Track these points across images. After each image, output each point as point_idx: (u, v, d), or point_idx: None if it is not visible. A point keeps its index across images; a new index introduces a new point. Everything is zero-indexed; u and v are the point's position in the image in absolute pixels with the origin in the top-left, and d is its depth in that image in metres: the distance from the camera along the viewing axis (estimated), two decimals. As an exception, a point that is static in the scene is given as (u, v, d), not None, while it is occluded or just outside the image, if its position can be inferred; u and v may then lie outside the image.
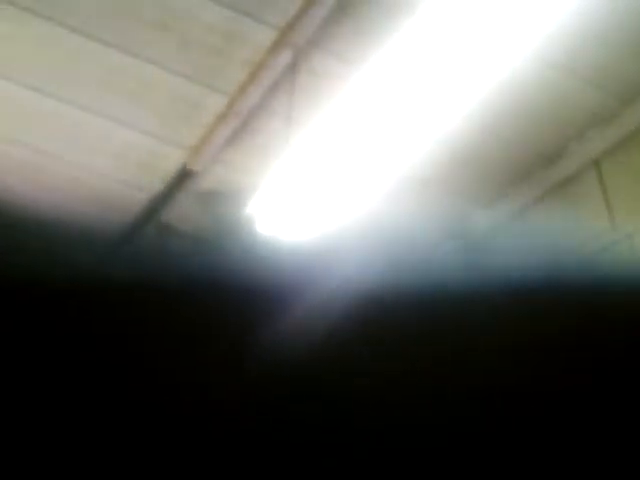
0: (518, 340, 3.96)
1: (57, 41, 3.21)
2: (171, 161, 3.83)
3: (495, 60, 2.66)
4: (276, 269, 4.24)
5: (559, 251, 3.91)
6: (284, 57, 3.15)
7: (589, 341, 3.73)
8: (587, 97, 3.40)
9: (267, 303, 4.46)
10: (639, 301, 3.56)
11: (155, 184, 4.03)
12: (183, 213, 4.24)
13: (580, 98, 3.40)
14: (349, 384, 4.43)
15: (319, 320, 4.30)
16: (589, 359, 3.75)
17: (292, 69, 3.20)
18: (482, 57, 2.68)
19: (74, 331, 4.33)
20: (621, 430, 3.63)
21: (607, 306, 3.72)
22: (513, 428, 3.92)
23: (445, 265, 4.41)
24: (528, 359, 3.95)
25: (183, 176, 3.87)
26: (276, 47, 3.12)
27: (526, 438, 3.84)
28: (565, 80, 3.28)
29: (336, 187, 3.31)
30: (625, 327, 3.59)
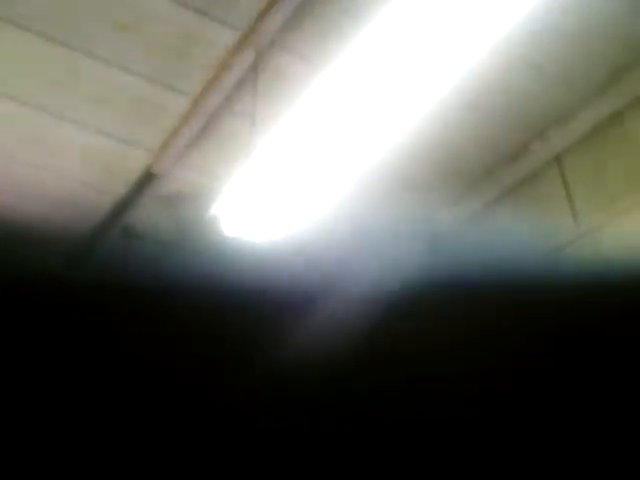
0: (482, 334, 4.01)
1: (19, 44, 3.18)
2: (135, 164, 3.81)
3: (456, 56, 2.68)
4: (241, 270, 4.26)
5: (523, 248, 3.95)
6: (246, 58, 3.14)
7: (551, 334, 3.78)
8: (549, 94, 3.43)
9: (233, 303, 4.47)
10: (601, 294, 3.62)
11: (119, 187, 4.00)
12: (147, 216, 4.21)
13: (543, 95, 3.44)
14: (324, 377, 4.40)
15: (287, 319, 4.31)
16: (550, 351, 3.79)
17: (255, 70, 3.19)
18: (443, 53, 2.70)
19: (40, 334, 4.29)
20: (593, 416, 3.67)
21: (570, 300, 3.77)
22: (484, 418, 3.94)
23: (410, 263, 4.44)
24: (491, 354, 4.00)
25: (147, 179, 3.85)
26: (238, 48, 3.12)
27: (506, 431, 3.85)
28: (528, 76, 3.31)
29: (300, 187, 3.32)
30: (588, 319, 3.65)
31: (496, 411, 3.97)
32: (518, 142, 3.75)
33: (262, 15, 2.97)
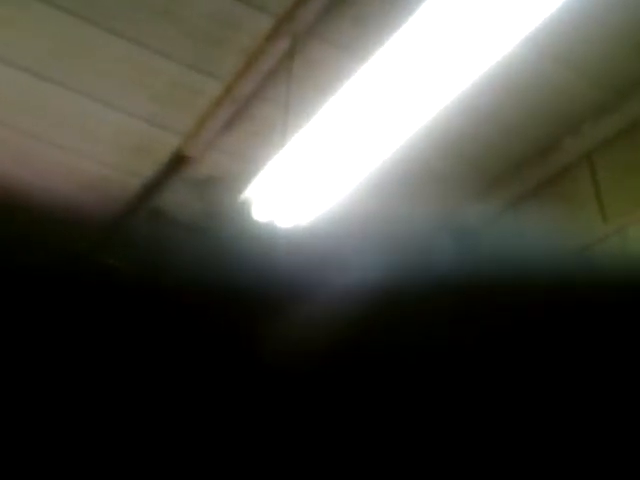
0: (510, 329, 4.00)
1: (55, 26, 3.21)
2: (166, 147, 3.83)
3: (490, 51, 2.69)
4: (271, 255, 4.27)
5: (550, 245, 3.94)
6: (282, 45, 3.16)
7: (576, 334, 3.77)
8: (583, 90, 3.42)
9: (263, 288, 4.48)
10: (628, 295, 3.60)
11: (149, 170, 4.03)
12: (177, 200, 4.24)
13: (575, 91, 3.43)
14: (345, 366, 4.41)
15: (318, 306, 4.32)
16: (579, 347, 3.78)
17: (290, 57, 3.21)
18: (477, 48, 2.71)
19: (68, 316, 4.32)
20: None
21: (597, 301, 3.76)
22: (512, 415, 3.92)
23: (438, 258, 4.44)
24: (514, 352, 3.99)
25: (177, 162, 3.88)
26: (274, 35, 3.13)
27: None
28: (561, 72, 3.30)
29: (329, 175, 3.34)
30: (614, 319, 3.63)
31: (519, 411, 3.96)
32: (549, 137, 3.74)
33: (299, 2, 2.98)
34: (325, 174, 3.33)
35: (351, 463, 4.14)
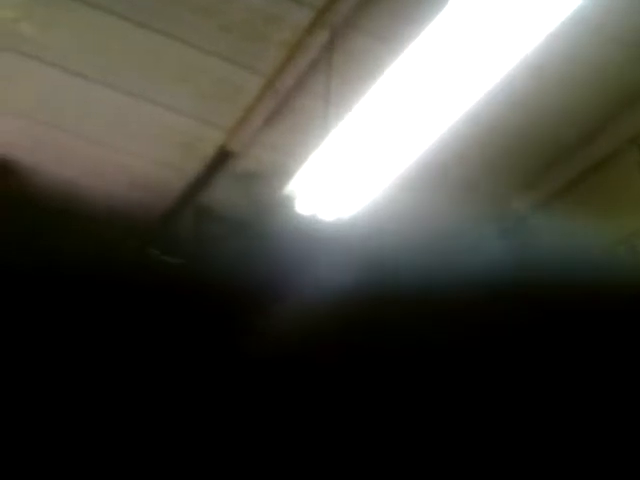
0: (561, 321, 3.94)
1: (100, 26, 3.26)
2: (211, 143, 3.87)
3: (531, 35, 2.66)
4: (315, 249, 4.27)
5: (595, 234, 3.89)
6: (321, 37, 3.16)
7: (618, 328, 3.70)
8: (634, 72, 3.35)
9: (307, 282, 4.48)
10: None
11: (194, 166, 4.07)
12: (222, 195, 4.27)
13: (626, 73, 3.37)
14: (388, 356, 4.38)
15: (360, 298, 4.31)
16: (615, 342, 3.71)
17: (329, 49, 3.21)
18: (516, 34, 2.68)
19: (116, 313, 4.37)
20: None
21: None
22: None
23: (485, 248, 4.41)
24: (559, 344, 3.93)
25: (222, 158, 3.91)
26: (313, 27, 3.14)
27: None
28: (610, 49, 3.25)
29: (372, 167, 3.33)
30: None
31: (547, 409, 3.92)
32: (596, 123, 3.68)
33: (337, -6, 2.99)
34: (367, 166, 3.32)
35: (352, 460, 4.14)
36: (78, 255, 4.59)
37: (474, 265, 4.34)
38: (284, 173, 3.77)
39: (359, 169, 3.34)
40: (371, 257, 4.34)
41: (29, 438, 3.72)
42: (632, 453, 3.56)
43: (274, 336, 4.60)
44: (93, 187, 4.41)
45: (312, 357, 4.48)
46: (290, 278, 4.67)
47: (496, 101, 3.32)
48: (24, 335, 4.22)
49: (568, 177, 4.01)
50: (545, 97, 3.54)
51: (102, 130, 3.91)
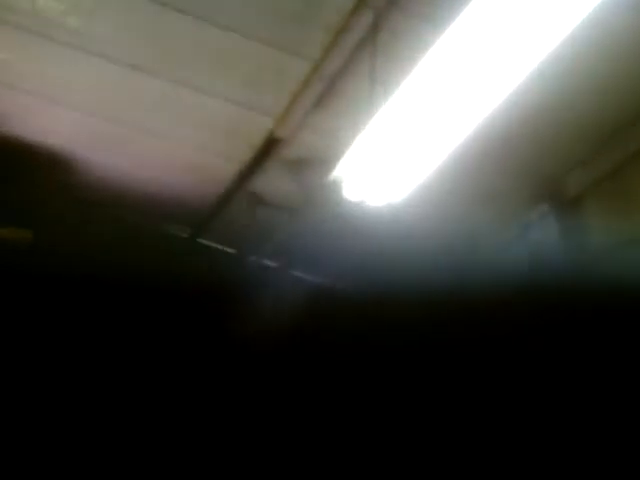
0: (619, 305, 3.85)
1: (145, 16, 3.27)
2: (259, 129, 3.86)
3: (577, 9, 2.59)
4: (365, 234, 4.24)
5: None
6: (365, 19, 3.13)
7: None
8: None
9: (358, 267, 4.45)
10: None
11: (244, 153, 4.07)
12: (271, 182, 4.27)
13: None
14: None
15: (412, 283, 4.26)
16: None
17: (374, 31, 3.18)
18: (563, 7, 2.61)
19: (167, 299, 4.38)
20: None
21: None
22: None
23: (538, 226, 4.34)
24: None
25: (271, 144, 3.90)
26: (357, 9, 3.11)
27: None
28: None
29: (421, 148, 3.29)
30: None
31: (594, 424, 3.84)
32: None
33: (381, -25, 2.96)
34: (414, 148, 3.28)
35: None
36: (131, 245, 4.64)
37: (528, 243, 4.29)
38: (332, 158, 3.74)
39: (406, 152, 3.30)
40: (420, 242, 4.32)
41: (42, 433, 3.75)
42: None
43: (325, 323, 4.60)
44: (145, 177, 4.45)
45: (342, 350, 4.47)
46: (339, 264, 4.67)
47: (544, 79, 3.25)
48: (74, 318, 4.28)
49: (629, 152, 3.91)
50: (602, 74, 3.45)
51: (152, 120, 3.93)
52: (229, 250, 4.95)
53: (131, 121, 3.93)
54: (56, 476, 3.58)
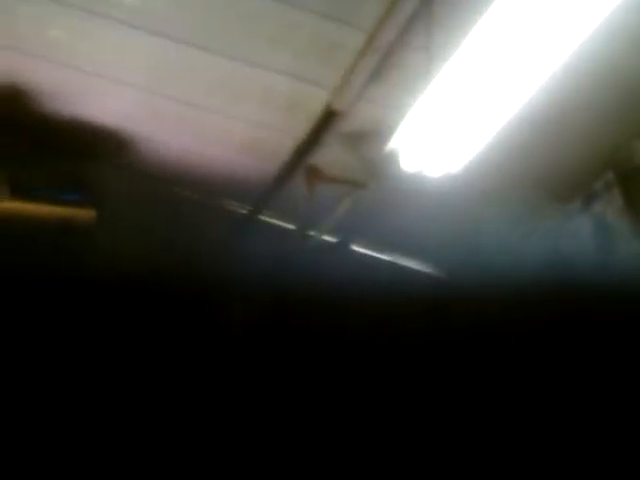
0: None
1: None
2: (315, 102, 3.86)
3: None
4: (421, 206, 4.22)
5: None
6: (420, -11, 3.11)
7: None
8: None
9: (415, 239, 4.42)
10: None
11: (302, 127, 4.07)
12: (330, 155, 4.26)
13: None
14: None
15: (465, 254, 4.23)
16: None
17: (428, 0, 3.15)
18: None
19: (224, 276, 4.39)
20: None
21: None
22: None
23: (601, 198, 4.27)
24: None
25: (328, 117, 3.89)
26: (412, -21, 3.09)
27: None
28: None
29: (477, 118, 3.26)
30: None
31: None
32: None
33: (434, -58, 2.92)
34: (471, 118, 3.25)
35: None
36: (191, 223, 4.69)
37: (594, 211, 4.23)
38: (390, 130, 3.72)
39: (464, 121, 3.28)
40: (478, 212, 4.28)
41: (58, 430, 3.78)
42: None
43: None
44: (205, 154, 4.48)
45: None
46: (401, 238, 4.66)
47: (616, 44, 3.19)
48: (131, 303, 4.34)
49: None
50: None
51: (210, 97, 3.95)
52: (289, 226, 4.97)
53: (190, 99, 3.96)
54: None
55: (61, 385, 3.83)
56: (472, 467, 4.03)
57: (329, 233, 4.91)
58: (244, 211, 5.02)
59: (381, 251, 5.24)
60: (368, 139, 4.03)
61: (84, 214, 4.14)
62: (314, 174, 4.32)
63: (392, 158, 3.59)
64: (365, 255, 5.20)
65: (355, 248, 5.16)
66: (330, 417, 4.21)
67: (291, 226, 4.95)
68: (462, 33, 3.02)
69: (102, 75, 3.84)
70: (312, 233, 4.74)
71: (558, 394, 4.01)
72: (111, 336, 4.12)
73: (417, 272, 5.29)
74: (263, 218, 5.01)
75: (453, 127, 3.29)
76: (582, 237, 4.36)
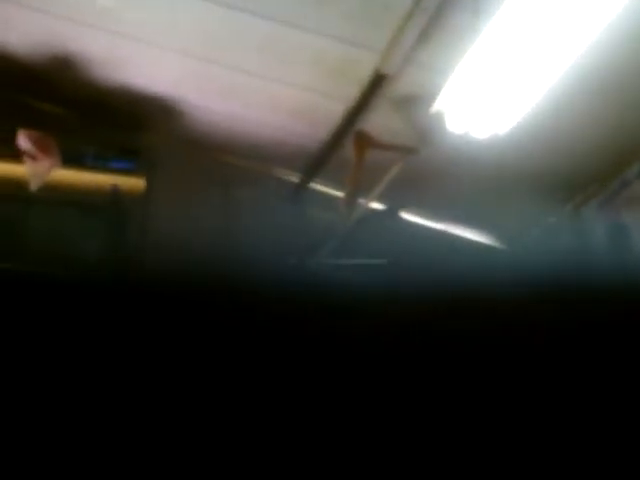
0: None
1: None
2: (364, 66, 3.83)
3: None
4: (468, 168, 4.16)
5: None
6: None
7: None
8: None
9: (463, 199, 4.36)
10: None
11: (350, 92, 4.05)
12: (380, 120, 4.23)
13: None
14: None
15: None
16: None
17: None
18: None
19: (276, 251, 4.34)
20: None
21: None
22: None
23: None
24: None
25: (377, 81, 3.86)
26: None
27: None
28: None
29: (524, 79, 3.21)
30: None
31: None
32: None
33: None
34: (518, 79, 3.20)
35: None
36: (241, 191, 4.71)
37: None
38: (438, 92, 3.68)
39: (511, 83, 3.23)
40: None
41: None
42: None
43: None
44: (253, 121, 4.49)
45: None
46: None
47: None
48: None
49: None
50: None
51: (258, 62, 3.95)
52: (339, 194, 4.95)
53: (237, 64, 3.96)
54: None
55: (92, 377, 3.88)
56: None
57: (380, 200, 4.88)
58: (294, 179, 5.02)
59: (432, 220, 5.21)
60: (416, 103, 3.99)
61: (134, 182, 4.19)
62: (364, 140, 4.28)
63: (439, 121, 3.55)
64: (415, 224, 5.17)
65: (404, 216, 5.12)
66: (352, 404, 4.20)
67: (341, 194, 4.94)
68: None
69: (151, 43, 3.87)
70: (361, 201, 4.70)
71: (573, 393, 3.95)
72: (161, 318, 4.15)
73: (471, 242, 5.24)
74: (314, 186, 5.00)
75: (500, 88, 3.24)
76: (597, 236, 4.32)
